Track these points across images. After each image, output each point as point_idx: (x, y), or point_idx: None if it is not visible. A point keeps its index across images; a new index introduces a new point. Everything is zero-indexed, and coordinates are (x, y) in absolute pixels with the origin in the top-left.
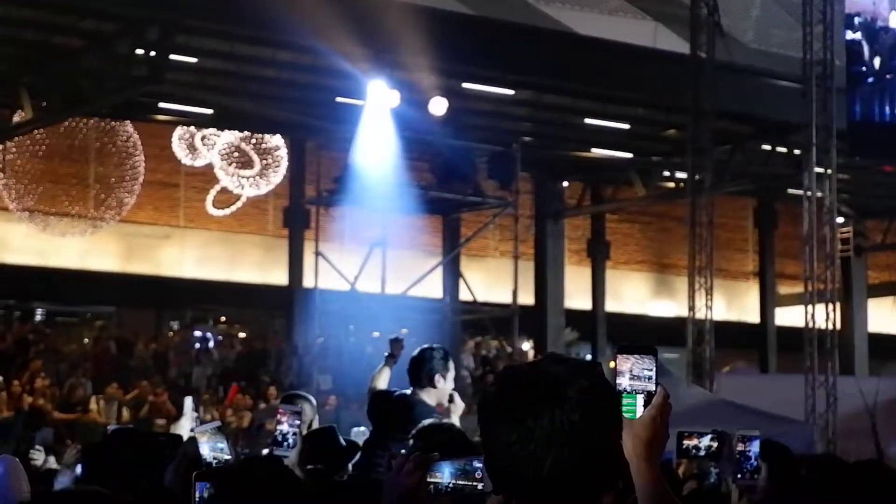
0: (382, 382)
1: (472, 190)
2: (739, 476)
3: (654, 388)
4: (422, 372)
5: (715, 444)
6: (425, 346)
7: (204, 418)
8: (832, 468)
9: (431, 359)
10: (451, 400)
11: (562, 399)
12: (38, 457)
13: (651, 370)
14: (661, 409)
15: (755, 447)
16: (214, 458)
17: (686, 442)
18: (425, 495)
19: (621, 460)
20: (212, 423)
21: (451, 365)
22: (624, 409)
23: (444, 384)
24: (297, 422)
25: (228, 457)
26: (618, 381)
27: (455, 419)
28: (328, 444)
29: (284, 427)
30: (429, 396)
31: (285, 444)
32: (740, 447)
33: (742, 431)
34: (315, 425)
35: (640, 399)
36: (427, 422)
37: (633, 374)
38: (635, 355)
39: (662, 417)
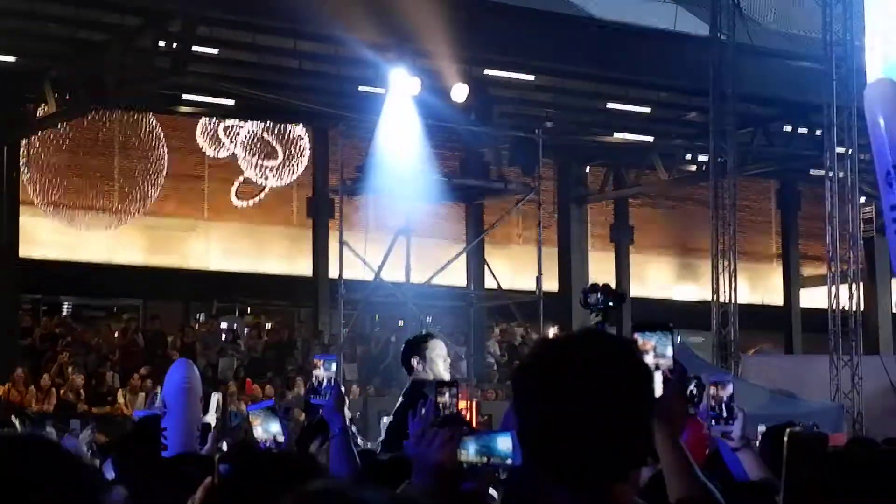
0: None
1: (496, 177)
2: (714, 423)
3: (671, 366)
4: (404, 363)
5: (695, 390)
6: (407, 339)
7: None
8: (860, 449)
9: (406, 348)
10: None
11: (596, 374)
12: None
13: (670, 347)
14: (680, 385)
15: (729, 391)
16: (267, 440)
17: None
18: (455, 469)
19: (651, 438)
20: (265, 402)
21: (430, 343)
22: None
23: (426, 364)
24: (334, 367)
25: (282, 439)
26: None
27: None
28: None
29: (320, 372)
30: (426, 377)
31: (321, 390)
32: (713, 391)
33: (715, 378)
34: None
35: (659, 375)
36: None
37: (656, 352)
38: (657, 332)
39: (681, 393)
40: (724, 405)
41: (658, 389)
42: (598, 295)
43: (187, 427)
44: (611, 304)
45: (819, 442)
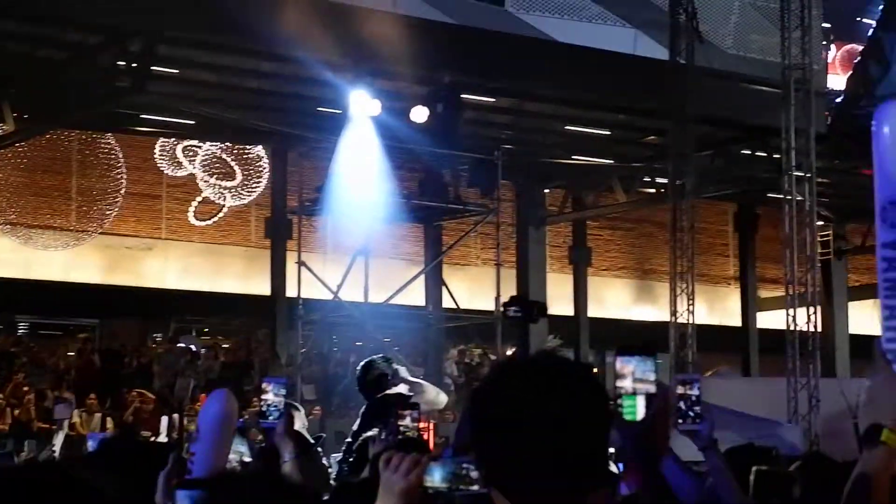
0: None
1: (454, 198)
2: (681, 421)
3: (654, 389)
4: (367, 382)
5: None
6: (364, 361)
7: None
8: (822, 467)
9: (371, 368)
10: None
11: (553, 394)
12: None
13: (652, 371)
14: (664, 410)
15: (696, 390)
16: (234, 461)
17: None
18: (421, 495)
19: (607, 460)
20: None
21: (395, 366)
22: (625, 410)
23: (396, 384)
24: (283, 391)
25: (248, 459)
26: (620, 384)
27: (429, 398)
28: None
29: (270, 397)
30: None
31: (271, 415)
32: (681, 390)
33: (683, 377)
34: (305, 434)
35: (641, 400)
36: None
37: (635, 376)
38: (637, 357)
39: (664, 418)
40: (692, 404)
41: (640, 412)
42: (515, 308)
43: (216, 456)
44: (522, 315)
45: (784, 479)
